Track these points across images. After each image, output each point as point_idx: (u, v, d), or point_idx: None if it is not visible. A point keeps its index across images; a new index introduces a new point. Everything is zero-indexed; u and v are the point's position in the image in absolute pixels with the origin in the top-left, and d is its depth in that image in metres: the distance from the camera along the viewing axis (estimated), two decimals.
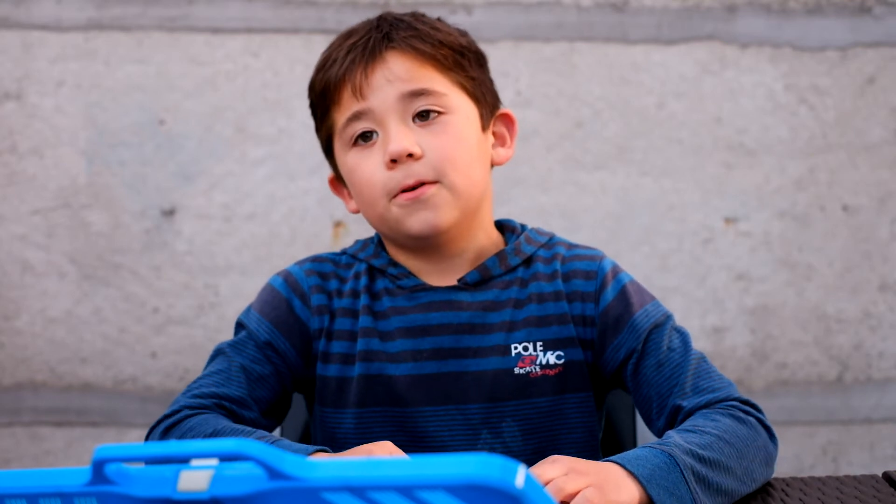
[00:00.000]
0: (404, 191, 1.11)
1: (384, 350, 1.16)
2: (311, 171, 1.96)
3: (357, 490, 0.54)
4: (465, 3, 1.96)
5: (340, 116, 1.15)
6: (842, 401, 2.03)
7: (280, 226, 1.97)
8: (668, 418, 1.12)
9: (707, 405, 1.09)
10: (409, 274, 1.18)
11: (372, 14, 1.94)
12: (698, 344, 2.00)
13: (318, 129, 1.22)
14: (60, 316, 1.97)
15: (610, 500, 0.88)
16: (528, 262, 1.20)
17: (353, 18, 1.95)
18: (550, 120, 1.97)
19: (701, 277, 2.00)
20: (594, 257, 1.22)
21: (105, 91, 1.95)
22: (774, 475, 1.06)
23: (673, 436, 1.00)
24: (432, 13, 1.95)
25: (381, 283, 1.19)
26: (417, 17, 1.19)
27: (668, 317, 1.19)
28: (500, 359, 1.15)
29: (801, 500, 0.97)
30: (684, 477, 0.93)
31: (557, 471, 0.89)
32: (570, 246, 1.23)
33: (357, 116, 1.13)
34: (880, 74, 1.99)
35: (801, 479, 1.04)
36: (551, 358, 1.16)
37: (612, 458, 0.95)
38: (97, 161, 1.96)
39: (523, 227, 1.25)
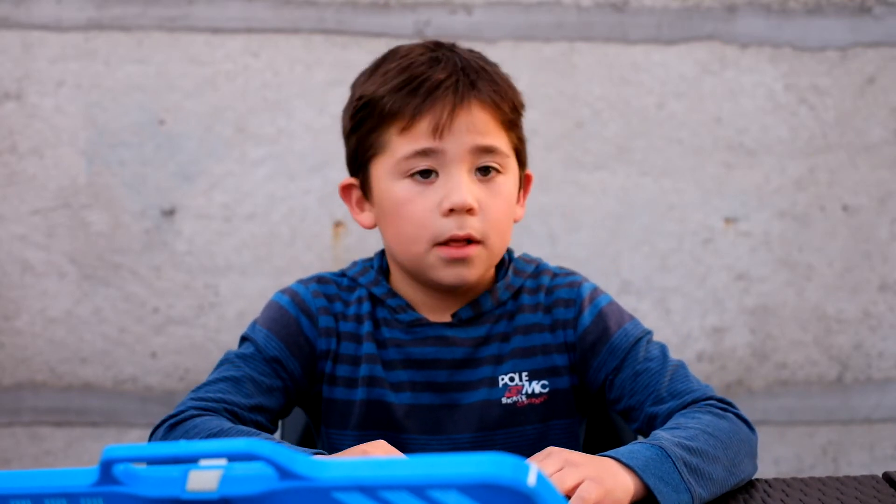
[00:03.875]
0: (452, 240, 1.13)
1: (386, 378, 1.19)
2: (311, 171, 1.96)
3: (368, 490, 0.53)
4: (465, 3, 1.96)
5: (406, 146, 1.13)
6: (842, 401, 2.03)
7: (280, 226, 1.97)
8: (646, 424, 1.15)
9: (684, 406, 1.12)
10: (407, 307, 1.20)
11: (372, 15, 1.96)
12: (698, 344, 2.01)
13: (357, 139, 1.19)
14: (60, 316, 1.97)
15: (608, 490, 0.90)
16: (516, 294, 1.23)
17: (354, 18, 1.96)
18: (550, 120, 1.97)
19: (701, 277, 2.00)
20: (573, 284, 1.24)
21: (105, 91, 1.95)
22: (774, 475, 1.07)
23: (659, 433, 1.02)
24: (432, 13, 1.97)
25: (381, 313, 1.21)
26: (489, 63, 1.20)
27: (648, 332, 1.21)
28: (489, 390, 1.19)
29: (801, 500, 0.97)
30: (676, 467, 0.96)
31: (554, 466, 0.91)
32: (554, 275, 1.25)
33: (427, 153, 1.13)
34: (880, 74, 1.99)
35: (801, 479, 1.04)
36: (536, 387, 1.20)
37: (605, 453, 0.97)
38: (97, 161, 1.95)
39: (510, 255, 1.27)
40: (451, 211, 1.12)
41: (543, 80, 1.97)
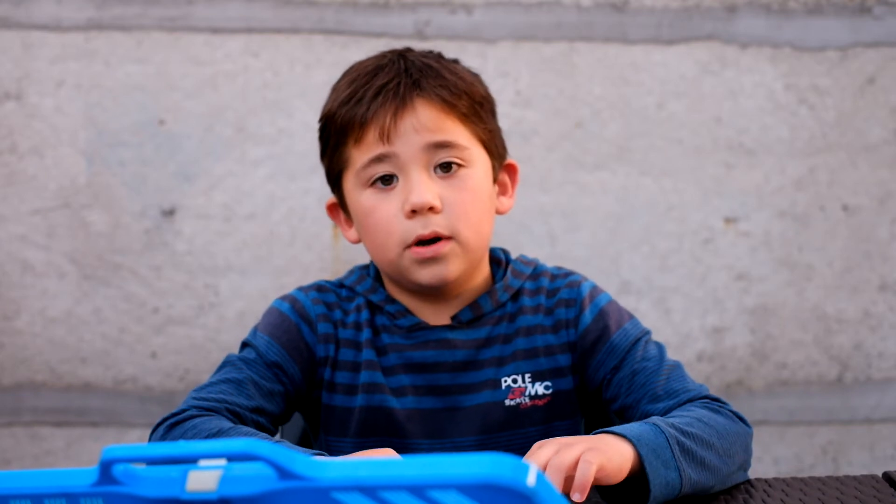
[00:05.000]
0: (420, 241, 1.13)
1: (387, 384, 1.19)
2: (311, 171, 1.95)
3: (368, 490, 0.53)
4: (465, 3, 1.96)
5: (361, 156, 1.15)
6: (842, 401, 2.03)
7: (280, 226, 1.97)
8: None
9: (679, 405, 1.12)
10: (406, 312, 1.21)
11: (372, 15, 1.96)
12: (698, 344, 2.01)
13: (327, 158, 1.22)
14: (60, 316, 1.97)
15: (608, 457, 0.91)
16: (516, 295, 1.23)
17: (354, 18, 1.96)
18: (550, 120, 1.97)
19: (701, 277, 2.00)
20: (573, 283, 1.24)
21: (105, 91, 1.95)
22: (774, 475, 1.07)
23: (654, 418, 1.03)
24: (432, 13, 1.97)
25: (380, 319, 1.22)
26: (441, 61, 1.20)
27: (647, 332, 1.22)
28: (491, 392, 1.19)
29: (801, 500, 0.97)
30: (669, 444, 0.97)
31: (549, 452, 0.92)
32: (553, 276, 1.26)
33: (380, 159, 1.14)
34: (880, 74, 1.99)
35: (801, 479, 1.05)
36: (539, 388, 1.20)
37: (599, 430, 0.98)
38: (97, 161, 1.95)
39: (507, 257, 1.27)
40: (414, 212, 1.12)
41: (543, 80, 1.97)
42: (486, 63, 1.95)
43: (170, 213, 1.96)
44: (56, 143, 1.95)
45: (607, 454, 0.91)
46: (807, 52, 1.99)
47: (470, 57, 1.93)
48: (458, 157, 1.15)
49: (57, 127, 1.95)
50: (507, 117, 1.93)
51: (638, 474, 0.95)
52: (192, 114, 1.95)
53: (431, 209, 1.12)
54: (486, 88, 1.23)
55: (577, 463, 0.89)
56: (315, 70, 1.95)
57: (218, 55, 1.95)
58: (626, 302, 1.95)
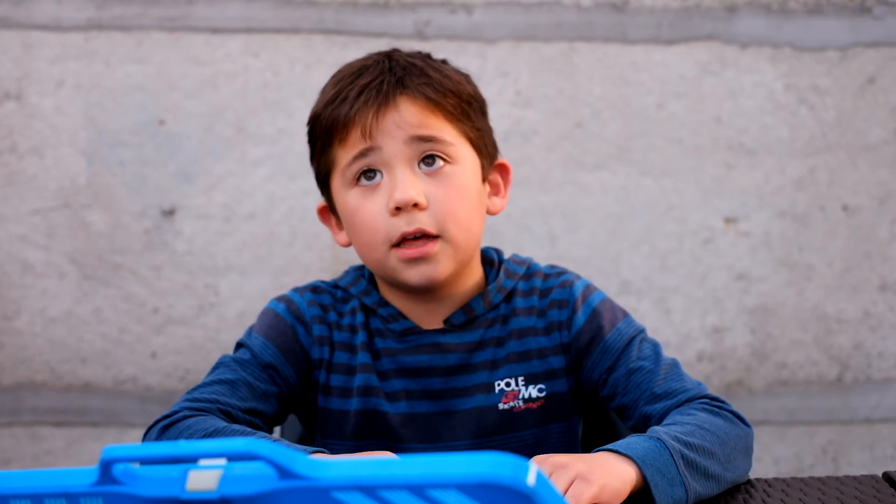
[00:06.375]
0: (405, 238, 1.12)
1: (381, 388, 1.18)
2: (311, 171, 1.95)
3: (368, 489, 0.53)
4: (465, 3, 1.96)
5: (345, 154, 1.15)
6: (842, 401, 2.03)
7: (280, 226, 1.97)
8: (641, 423, 1.15)
9: (678, 405, 1.11)
10: (399, 315, 1.20)
11: (372, 15, 1.96)
12: (698, 344, 2.01)
13: (316, 161, 1.22)
14: (60, 316, 1.97)
15: (602, 486, 0.89)
16: (509, 297, 1.22)
17: (354, 18, 1.96)
18: (550, 120, 1.97)
19: (701, 277, 2.00)
20: (565, 283, 1.23)
21: (105, 91, 1.95)
22: (774, 475, 1.06)
23: (656, 428, 1.02)
24: (432, 13, 1.97)
25: (374, 323, 1.21)
26: (427, 61, 1.19)
27: (641, 330, 1.21)
28: (485, 396, 1.18)
29: (801, 500, 0.97)
30: (674, 460, 0.95)
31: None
32: (545, 275, 1.24)
33: (364, 154, 1.13)
34: (880, 74, 1.99)
35: (801, 479, 1.04)
36: (533, 391, 1.19)
37: (602, 447, 0.97)
38: (97, 161, 1.95)
39: (500, 257, 1.26)
40: (398, 209, 1.11)
41: (543, 80, 1.97)
42: (486, 63, 1.95)
43: (170, 213, 1.96)
44: (56, 143, 1.95)
45: (600, 483, 0.89)
46: (807, 52, 1.99)
47: (470, 57, 1.93)
48: (442, 152, 1.13)
49: (57, 127, 1.95)
50: (507, 117, 1.94)
51: (642, 492, 0.94)
52: (192, 114, 1.95)
53: (416, 206, 1.11)
54: (474, 88, 1.21)
55: (566, 490, 0.88)
56: (315, 70, 1.95)
57: (218, 55, 1.95)
58: (626, 302, 1.95)
